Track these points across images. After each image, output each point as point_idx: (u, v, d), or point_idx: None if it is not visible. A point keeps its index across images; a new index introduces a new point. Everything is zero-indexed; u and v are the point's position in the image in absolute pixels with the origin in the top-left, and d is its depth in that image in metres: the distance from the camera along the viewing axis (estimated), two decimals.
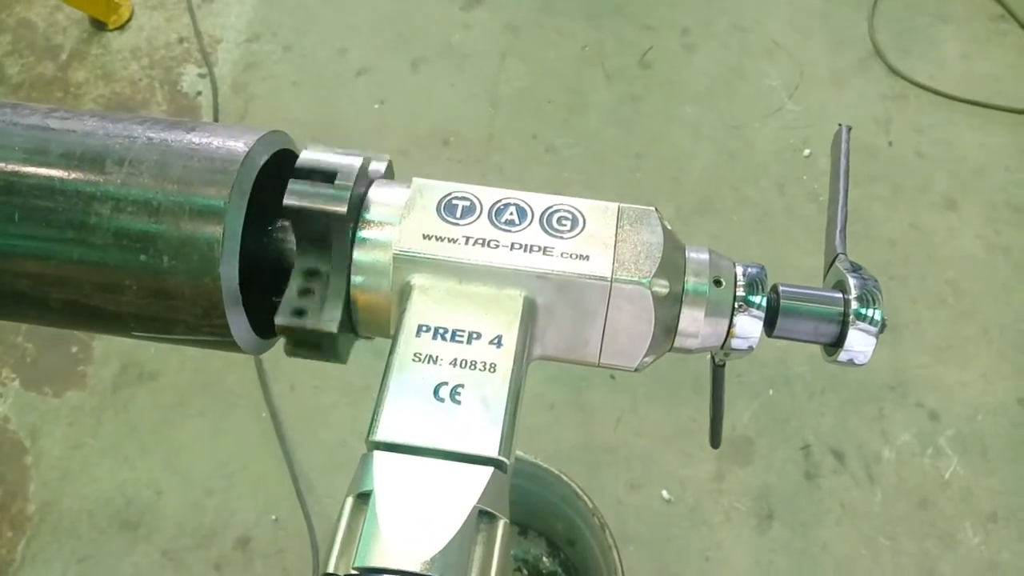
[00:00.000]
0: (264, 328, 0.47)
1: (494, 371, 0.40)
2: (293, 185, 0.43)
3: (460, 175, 1.51)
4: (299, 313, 0.43)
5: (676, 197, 1.50)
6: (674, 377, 1.35)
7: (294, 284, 0.44)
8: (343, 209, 0.42)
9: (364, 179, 0.46)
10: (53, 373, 1.40)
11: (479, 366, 0.40)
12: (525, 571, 1.20)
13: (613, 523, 1.25)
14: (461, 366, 0.40)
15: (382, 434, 0.38)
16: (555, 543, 1.21)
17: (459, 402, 0.39)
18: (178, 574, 1.23)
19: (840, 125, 0.60)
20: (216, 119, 1.56)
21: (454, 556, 0.35)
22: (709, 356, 0.52)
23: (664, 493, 1.27)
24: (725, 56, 1.68)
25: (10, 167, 0.44)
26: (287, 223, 0.46)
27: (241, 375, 1.38)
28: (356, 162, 0.45)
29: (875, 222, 1.49)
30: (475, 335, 0.41)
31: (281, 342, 0.48)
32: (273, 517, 1.27)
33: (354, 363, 0.48)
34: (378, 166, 0.49)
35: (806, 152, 1.56)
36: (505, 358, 0.41)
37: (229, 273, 0.43)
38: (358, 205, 0.45)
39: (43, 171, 0.44)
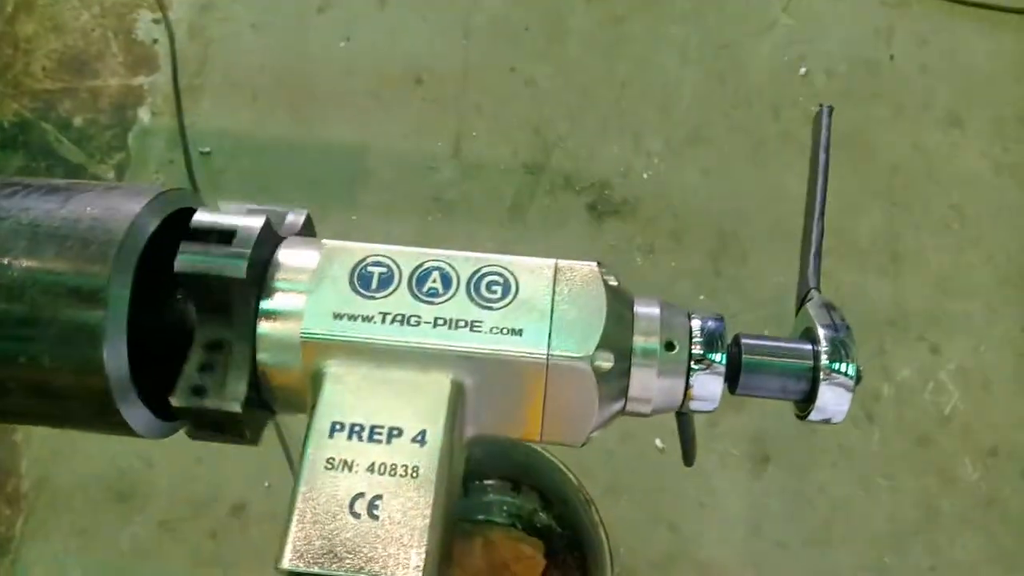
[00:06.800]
0: (170, 414, 0.44)
1: (417, 476, 0.36)
2: (185, 248, 0.38)
3: (436, 117, 1.43)
4: (199, 392, 0.39)
5: (664, 128, 1.43)
6: None
7: (194, 359, 0.40)
8: (241, 273, 0.38)
9: (269, 239, 0.41)
10: None
11: (400, 471, 0.36)
12: (520, 526, 1.20)
13: (606, 475, 1.24)
14: (380, 471, 0.36)
15: (290, 561, 0.35)
16: (548, 498, 1.20)
17: (377, 517, 0.35)
18: (176, 543, 1.24)
19: (821, 106, 0.54)
20: (175, 68, 1.48)
21: None
22: None
23: (657, 442, 1.25)
24: None
25: None
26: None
27: None
28: (258, 221, 0.39)
29: (876, 146, 1.42)
30: (395, 432, 0.37)
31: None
32: (266, 483, 1.27)
33: None
34: (295, 219, 0.44)
35: (802, 70, 1.47)
36: (429, 459, 0.37)
37: (116, 363, 0.38)
38: (261, 269, 0.40)
39: None
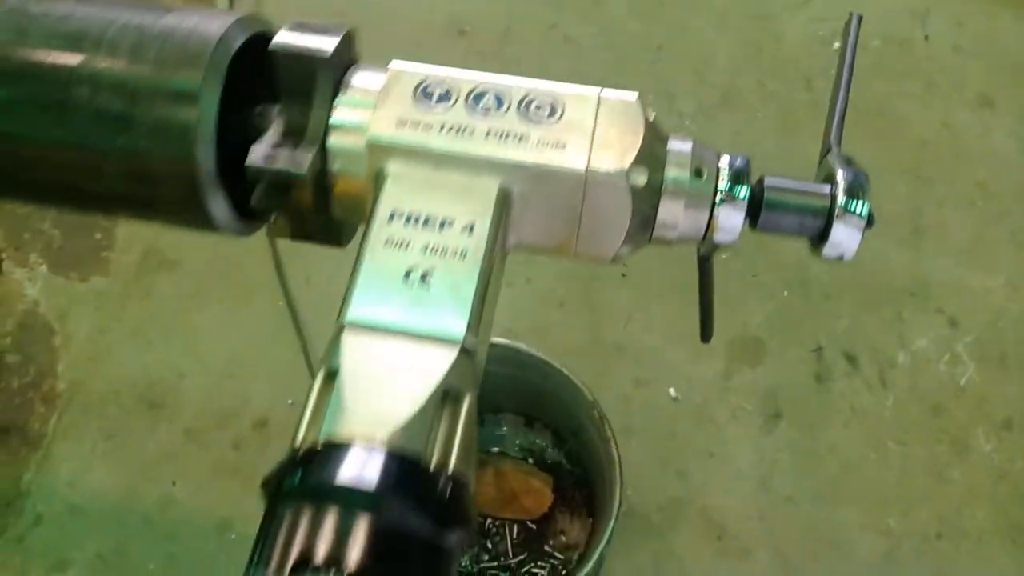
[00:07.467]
0: (250, 214, 0.48)
1: (464, 258, 0.40)
2: (282, 35, 0.43)
3: (477, 68, 1.46)
4: (271, 158, 0.43)
5: (698, 91, 1.46)
6: (687, 276, 1.34)
7: (270, 135, 0.44)
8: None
9: (343, 61, 0.45)
10: (78, 259, 1.43)
11: (450, 252, 0.40)
12: (531, 460, 1.23)
13: (618, 419, 1.26)
14: (432, 252, 0.40)
15: (351, 314, 0.39)
16: (560, 434, 1.24)
17: (428, 286, 0.39)
18: (200, 451, 1.28)
19: (851, 14, 0.57)
20: (230, 4, 1.53)
21: (416, 431, 0.36)
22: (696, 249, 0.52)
23: (671, 391, 1.28)
24: None
25: None
26: (269, 107, 0.46)
27: (258, 265, 1.40)
28: (331, 44, 0.44)
29: (906, 120, 1.44)
30: (447, 222, 0.41)
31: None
32: (289, 401, 1.31)
33: None
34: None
35: (835, 45, 1.49)
36: (476, 245, 0.41)
37: (205, 154, 0.43)
38: (343, 62, 0.44)
39: (23, 55, 0.44)
